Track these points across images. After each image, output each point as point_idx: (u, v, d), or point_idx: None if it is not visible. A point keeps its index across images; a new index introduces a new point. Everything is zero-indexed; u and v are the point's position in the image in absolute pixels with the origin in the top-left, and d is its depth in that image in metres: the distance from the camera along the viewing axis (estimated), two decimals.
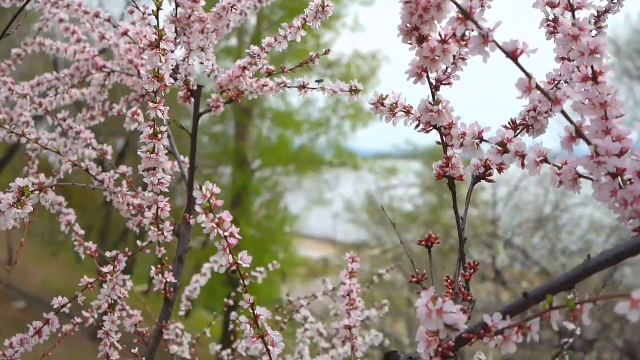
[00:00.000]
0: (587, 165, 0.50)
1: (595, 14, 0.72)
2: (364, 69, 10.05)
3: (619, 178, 0.51)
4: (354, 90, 0.81)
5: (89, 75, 1.17)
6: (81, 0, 1.08)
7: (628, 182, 0.51)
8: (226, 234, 0.60)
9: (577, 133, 0.51)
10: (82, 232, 1.07)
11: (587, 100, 0.54)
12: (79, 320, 1.12)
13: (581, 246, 6.72)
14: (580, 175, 0.53)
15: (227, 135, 11.41)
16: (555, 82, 0.68)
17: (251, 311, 0.63)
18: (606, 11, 0.72)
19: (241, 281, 0.63)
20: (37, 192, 0.64)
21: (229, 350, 1.29)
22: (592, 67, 0.52)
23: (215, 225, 0.60)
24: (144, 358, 0.92)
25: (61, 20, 1.17)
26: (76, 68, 1.16)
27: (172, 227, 0.89)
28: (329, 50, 0.97)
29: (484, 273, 6.28)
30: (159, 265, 0.94)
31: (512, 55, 0.49)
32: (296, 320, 1.29)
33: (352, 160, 11.14)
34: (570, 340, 1.06)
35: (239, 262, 0.61)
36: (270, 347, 0.63)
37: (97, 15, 1.08)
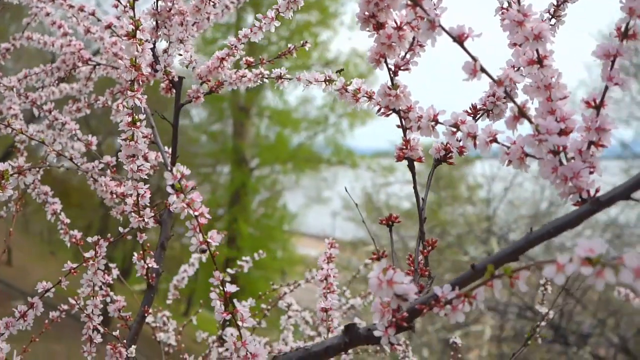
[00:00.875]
0: (530, 143, 0.53)
1: (555, 2, 0.75)
2: (362, 67, 10.08)
3: (561, 155, 0.54)
4: (328, 81, 0.84)
5: (75, 68, 1.20)
6: None
7: (571, 160, 0.54)
8: (196, 213, 0.63)
9: (520, 113, 0.53)
10: (67, 220, 1.10)
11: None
12: (65, 307, 1.15)
13: (576, 242, 6.72)
14: (527, 155, 0.56)
15: (225, 134, 11.44)
16: (516, 68, 0.71)
17: (221, 288, 0.66)
18: (565, 0, 0.75)
19: (212, 260, 0.66)
20: (16, 175, 0.67)
21: (214, 337, 1.32)
22: (537, 51, 0.55)
23: (185, 206, 0.63)
24: (125, 341, 0.95)
25: (48, 14, 1.19)
26: (62, 61, 1.19)
27: (152, 214, 0.92)
28: (306, 42, 1.00)
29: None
30: (141, 252, 0.96)
31: (459, 39, 0.52)
32: (280, 307, 1.32)
33: (351, 158, 11.17)
34: (543, 323, 1.09)
35: (209, 240, 0.64)
36: (240, 323, 0.66)
37: (81, 9, 1.11)
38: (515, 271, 0.47)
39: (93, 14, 1.12)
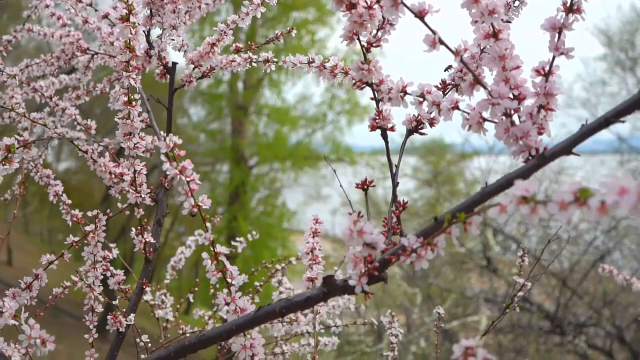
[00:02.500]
0: (485, 107, 0.59)
1: None
2: None
3: (515, 119, 0.60)
4: (309, 63, 0.90)
5: (74, 57, 1.25)
6: None
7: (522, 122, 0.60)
8: (188, 179, 0.69)
9: (476, 80, 0.59)
10: (69, 201, 1.16)
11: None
12: (68, 284, 1.21)
13: (572, 234, 6.83)
14: (484, 119, 0.62)
15: (224, 132, 11.49)
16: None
17: (212, 249, 0.72)
18: None
19: (204, 223, 0.72)
20: (21, 148, 0.73)
21: (209, 312, 1.38)
22: (492, 25, 0.61)
23: (178, 172, 0.69)
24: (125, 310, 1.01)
25: (47, 6, 1.25)
26: (62, 51, 1.25)
27: (149, 190, 0.98)
28: (293, 28, 1.06)
29: (477, 262, 6.39)
30: (139, 227, 1.02)
31: (420, 15, 0.58)
32: (272, 284, 1.38)
33: (349, 156, 11.23)
34: (521, 294, 1.15)
35: (200, 204, 0.70)
36: (229, 280, 0.72)
37: (79, 0, 1.16)
38: (468, 216, 0.53)
39: (90, 4, 1.17)
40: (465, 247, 6.16)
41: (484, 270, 6.47)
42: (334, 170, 1.04)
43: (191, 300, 1.42)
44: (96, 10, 1.17)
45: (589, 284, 6.33)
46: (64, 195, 1.18)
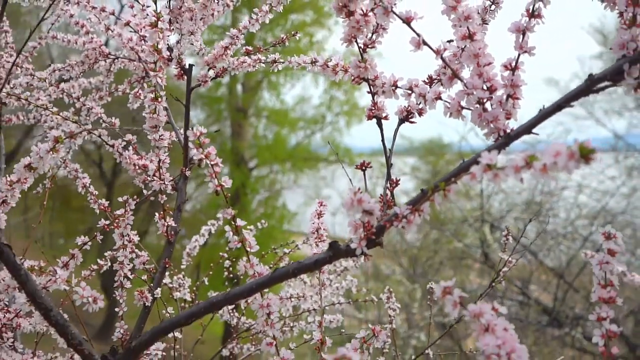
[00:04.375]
0: (462, 97, 0.71)
1: None
2: None
3: (486, 105, 0.72)
4: (313, 63, 1.02)
5: (97, 62, 1.38)
6: None
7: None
8: (213, 162, 0.81)
9: (454, 74, 0.72)
10: (96, 192, 1.28)
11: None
12: (95, 267, 1.33)
13: (568, 229, 6.96)
14: (462, 107, 0.74)
15: (223, 135, 11.60)
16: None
17: (233, 223, 0.84)
18: None
19: (224, 200, 0.84)
20: (68, 139, 0.84)
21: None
22: (468, 28, 0.73)
23: (204, 157, 0.81)
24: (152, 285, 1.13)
25: (71, 16, 1.37)
26: (86, 56, 1.37)
27: (172, 178, 1.10)
28: (296, 32, 1.18)
29: (475, 257, 6.52)
30: (162, 212, 1.14)
31: (407, 21, 0.70)
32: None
33: (348, 157, 11.35)
34: (506, 269, 1.27)
35: (222, 183, 0.82)
36: (247, 249, 0.84)
37: (103, 10, 1.29)
38: (447, 185, 0.65)
39: (113, 13, 1.30)
40: (464, 243, 6.28)
41: (484, 266, 6.59)
42: (341, 165, 1.16)
43: (206, 282, 1.54)
44: (118, 19, 1.29)
45: (586, 278, 6.45)
46: (91, 186, 1.30)
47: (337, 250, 0.76)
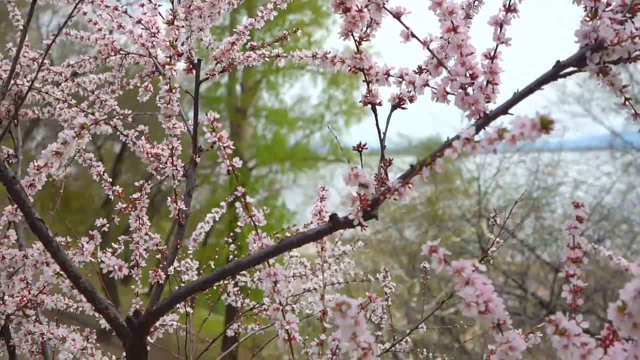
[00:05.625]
0: (446, 83, 0.80)
1: None
2: None
3: (468, 90, 0.81)
4: (314, 57, 1.10)
5: (109, 57, 1.46)
6: None
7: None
8: (225, 145, 0.90)
9: (439, 63, 0.81)
10: (110, 179, 1.36)
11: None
12: (110, 250, 1.42)
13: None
14: (447, 92, 0.83)
15: None
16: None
17: (243, 200, 0.93)
18: None
19: (236, 179, 0.93)
20: (93, 125, 0.93)
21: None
22: (452, 22, 0.82)
23: (217, 140, 0.90)
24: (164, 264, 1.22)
25: (85, 14, 1.46)
26: (99, 52, 1.45)
27: (183, 165, 1.19)
28: (297, 29, 1.27)
29: (472, 251, 6.61)
30: (174, 197, 1.23)
31: (397, 15, 0.79)
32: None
33: (347, 156, 11.42)
34: (493, 249, 1.35)
35: (233, 164, 0.91)
36: (256, 223, 0.93)
37: (115, 8, 1.37)
38: (433, 159, 0.73)
39: (125, 12, 1.38)
40: (461, 238, 6.37)
41: (482, 261, 6.68)
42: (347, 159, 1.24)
43: (212, 267, 1.62)
44: (130, 17, 1.38)
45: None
46: (105, 174, 1.39)
47: (337, 222, 0.85)
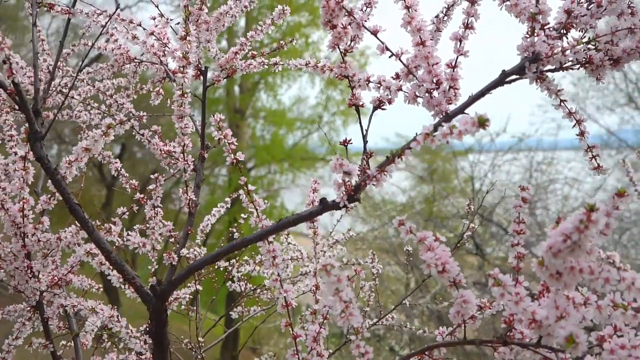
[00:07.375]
0: (415, 88, 0.97)
1: (446, 6, 1.18)
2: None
3: (434, 94, 0.97)
4: (307, 65, 1.27)
5: (124, 65, 1.63)
6: (119, 12, 1.54)
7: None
8: (229, 141, 1.07)
9: (409, 71, 0.97)
10: (127, 174, 1.53)
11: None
12: (136, 228, 1.58)
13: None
14: (417, 96, 0.99)
15: None
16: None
17: (246, 187, 1.09)
18: (453, 3, 1.18)
19: (239, 171, 1.09)
20: (118, 125, 1.10)
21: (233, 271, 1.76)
22: (420, 37, 0.99)
23: (222, 137, 1.07)
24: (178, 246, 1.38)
25: (103, 26, 1.62)
26: (115, 60, 1.62)
27: (193, 159, 1.35)
28: (293, 39, 1.44)
29: (467, 247, 6.79)
30: (185, 188, 1.40)
31: (374, 32, 0.96)
32: (281, 240, 1.76)
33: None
34: (469, 233, 1.52)
35: (237, 157, 1.07)
36: (257, 207, 1.09)
37: (131, 21, 1.54)
38: (403, 151, 0.90)
39: (140, 24, 1.55)
40: (455, 234, 6.54)
41: (476, 257, 6.87)
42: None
43: None
44: (144, 29, 1.55)
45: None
46: (123, 169, 1.55)
47: (326, 204, 1.02)
